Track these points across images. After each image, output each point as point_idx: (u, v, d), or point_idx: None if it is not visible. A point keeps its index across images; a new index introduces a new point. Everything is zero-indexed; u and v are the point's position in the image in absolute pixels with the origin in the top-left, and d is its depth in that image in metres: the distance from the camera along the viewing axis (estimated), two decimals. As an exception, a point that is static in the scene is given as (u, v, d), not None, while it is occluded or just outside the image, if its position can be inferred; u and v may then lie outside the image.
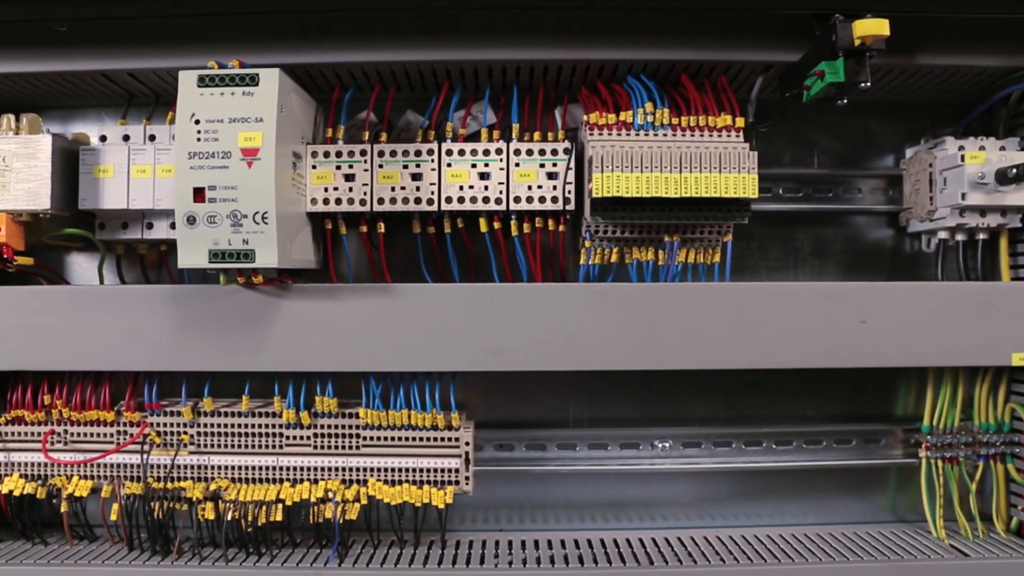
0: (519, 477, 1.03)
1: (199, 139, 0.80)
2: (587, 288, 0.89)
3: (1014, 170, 0.90)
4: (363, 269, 1.01)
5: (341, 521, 0.92)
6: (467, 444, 0.94)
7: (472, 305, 0.88)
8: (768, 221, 1.04)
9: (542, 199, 0.90)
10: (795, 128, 1.05)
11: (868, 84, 0.81)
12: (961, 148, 0.95)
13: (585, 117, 0.91)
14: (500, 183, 0.90)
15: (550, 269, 0.96)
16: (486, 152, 0.91)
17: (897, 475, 1.07)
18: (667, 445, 1.02)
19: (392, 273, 0.95)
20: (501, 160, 0.91)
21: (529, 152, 0.91)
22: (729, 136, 0.89)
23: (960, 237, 0.99)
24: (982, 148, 0.95)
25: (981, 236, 0.98)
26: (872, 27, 0.78)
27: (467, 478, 0.94)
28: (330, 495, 0.92)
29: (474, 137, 0.94)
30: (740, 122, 0.89)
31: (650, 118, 0.89)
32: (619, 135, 0.89)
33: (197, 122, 0.80)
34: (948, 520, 1.00)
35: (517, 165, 0.91)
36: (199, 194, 0.80)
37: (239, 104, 0.80)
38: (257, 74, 0.81)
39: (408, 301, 0.88)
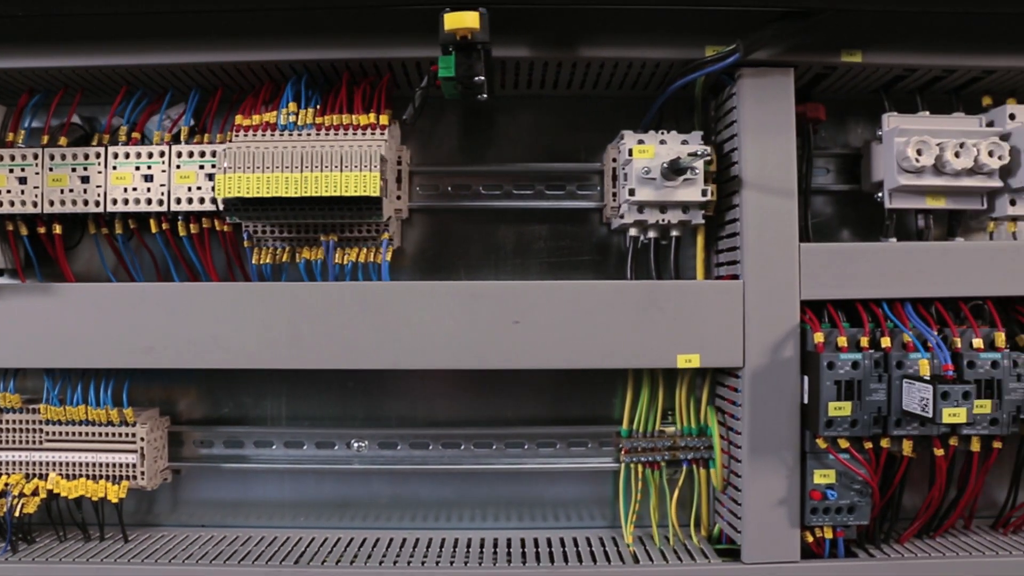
0: (221, 474, 1.04)
1: None
2: (227, 287, 0.90)
3: (664, 164, 0.87)
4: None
5: (18, 514, 0.94)
6: (143, 440, 0.95)
7: (125, 305, 0.89)
8: (468, 219, 1.03)
9: (202, 200, 0.92)
10: (504, 125, 1.04)
11: (482, 79, 0.80)
12: (641, 142, 0.92)
13: (246, 118, 0.92)
14: (163, 185, 0.92)
15: (231, 269, 0.97)
16: (150, 155, 0.92)
17: (616, 480, 1.04)
18: (363, 445, 1.01)
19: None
20: (164, 162, 0.92)
21: (191, 154, 0.92)
22: (374, 134, 0.88)
23: (652, 234, 0.95)
24: (663, 142, 0.92)
25: (674, 233, 0.95)
26: (460, 20, 0.76)
27: (143, 473, 0.96)
28: (9, 489, 0.95)
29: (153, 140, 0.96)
30: (384, 120, 0.89)
31: (293, 118, 0.89)
32: (263, 136, 0.89)
33: None
34: (647, 526, 0.97)
35: (179, 167, 0.92)
36: None
37: None
38: None
39: (68, 300, 0.90)
